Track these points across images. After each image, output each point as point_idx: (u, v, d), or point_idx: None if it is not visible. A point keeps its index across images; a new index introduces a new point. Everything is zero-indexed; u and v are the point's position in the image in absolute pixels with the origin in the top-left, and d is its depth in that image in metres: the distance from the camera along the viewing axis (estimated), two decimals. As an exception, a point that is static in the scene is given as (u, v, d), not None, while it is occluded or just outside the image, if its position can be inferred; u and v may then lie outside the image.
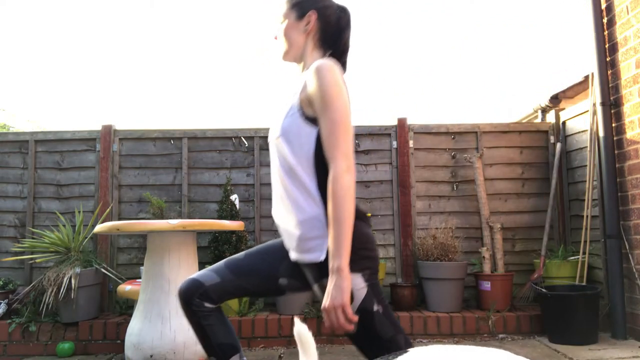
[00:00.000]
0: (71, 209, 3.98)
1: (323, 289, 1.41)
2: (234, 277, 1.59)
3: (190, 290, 1.57)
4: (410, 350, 0.98)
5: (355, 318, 1.33)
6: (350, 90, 1.50)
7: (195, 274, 1.62)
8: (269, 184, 4.05)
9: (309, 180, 1.44)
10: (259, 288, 1.61)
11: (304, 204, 1.44)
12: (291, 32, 1.58)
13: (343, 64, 1.61)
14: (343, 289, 1.29)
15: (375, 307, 1.39)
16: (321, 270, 1.42)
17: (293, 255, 1.50)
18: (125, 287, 3.23)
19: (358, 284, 1.38)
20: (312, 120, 1.44)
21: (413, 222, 3.98)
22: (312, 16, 1.56)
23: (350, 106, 1.45)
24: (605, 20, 3.46)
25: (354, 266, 1.36)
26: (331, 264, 1.32)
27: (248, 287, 1.60)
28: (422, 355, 0.94)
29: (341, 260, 1.31)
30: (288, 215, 1.48)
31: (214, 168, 4.08)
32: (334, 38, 1.59)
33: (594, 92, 3.48)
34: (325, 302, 1.31)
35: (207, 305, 1.57)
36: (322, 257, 1.41)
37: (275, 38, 1.63)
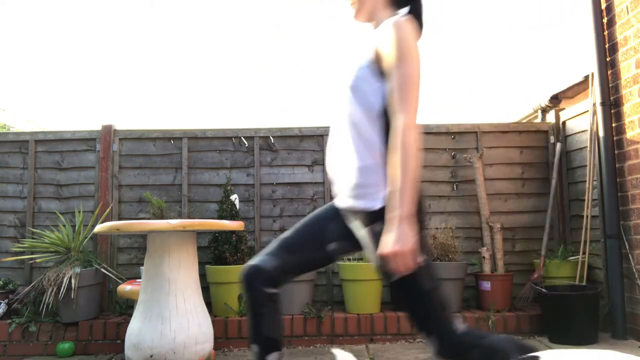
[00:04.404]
0: (71, 209, 3.98)
1: (374, 234, 1.46)
2: (289, 256, 1.62)
3: (252, 275, 1.59)
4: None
5: (418, 262, 1.38)
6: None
7: (254, 260, 1.63)
8: (269, 184, 4.07)
9: (371, 132, 1.49)
10: (313, 259, 1.65)
11: (365, 152, 1.49)
12: None
13: (416, 21, 1.64)
14: (409, 236, 1.34)
15: (421, 258, 1.43)
16: (374, 217, 1.46)
17: (346, 203, 1.53)
18: (125, 287, 3.23)
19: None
20: (384, 75, 1.48)
21: (413, 222, 3.97)
22: None
23: (421, 66, 1.48)
24: (605, 20, 3.46)
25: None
26: (395, 214, 1.35)
27: (304, 261, 1.64)
28: None
29: (406, 209, 1.35)
30: (347, 163, 1.52)
31: (214, 168, 4.08)
32: None
33: (594, 92, 3.48)
34: (386, 248, 1.35)
35: (268, 290, 1.58)
36: (378, 206, 1.46)
37: None
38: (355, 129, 1.51)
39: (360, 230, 1.54)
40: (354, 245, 1.61)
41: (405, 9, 1.64)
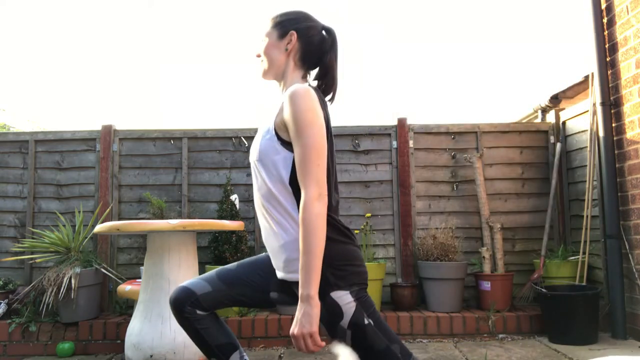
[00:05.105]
0: (71, 209, 3.98)
1: None
2: (225, 288, 1.60)
3: (181, 298, 1.59)
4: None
5: (323, 344, 1.33)
6: (343, 97, 1.50)
7: (187, 282, 1.63)
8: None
9: (288, 203, 1.43)
10: (250, 299, 1.62)
11: (286, 226, 1.44)
12: (272, 51, 1.57)
13: (328, 86, 1.59)
14: (312, 316, 1.30)
15: (366, 321, 1.39)
16: None
17: (280, 275, 1.50)
18: (125, 287, 3.23)
19: (346, 300, 1.38)
20: (288, 144, 1.42)
21: (413, 222, 3.98)
22: (292, 36, 1.55)
23: (325, 131, 1.41)
24: (605, 20, 3.46)
25: (342, 283, 1.38)
26: (301, 292, 1.31)
27: (239, 297, 1.61)
28: None
29: (310, 288, 1.30)
30: (272, 237, 1.48)
31: (214, 168, 4.07)
32: (316, 59, 1.58)
33: (594, 92, 3.48)
34: (294, 329, 1.31)
35: (199, 312, 1.59)
36: None
37: (258, 56, 1.62)
38: (273, 201, 1.45)
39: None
40: (294, 301, 1.54)
41: (315, 71, 1.59)
